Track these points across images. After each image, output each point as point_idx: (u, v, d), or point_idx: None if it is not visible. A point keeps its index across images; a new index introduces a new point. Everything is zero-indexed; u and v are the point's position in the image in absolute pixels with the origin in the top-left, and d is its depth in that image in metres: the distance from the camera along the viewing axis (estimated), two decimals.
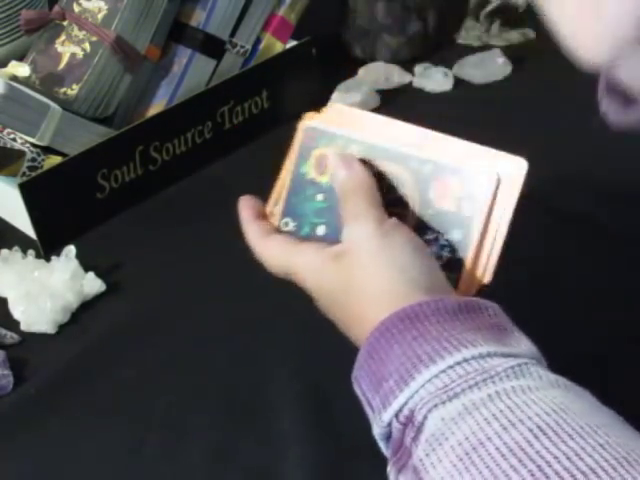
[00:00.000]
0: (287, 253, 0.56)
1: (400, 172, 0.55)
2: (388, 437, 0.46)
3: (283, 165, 0.60)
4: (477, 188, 0.53)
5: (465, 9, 1.05)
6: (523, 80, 0.98)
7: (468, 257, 0.53)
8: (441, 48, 1.04)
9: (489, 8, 1.04)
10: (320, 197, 0.57)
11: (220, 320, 0.71)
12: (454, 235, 0.53)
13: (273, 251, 0.57)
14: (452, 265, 0.53)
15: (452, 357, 0.45)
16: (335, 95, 0.93)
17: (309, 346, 0.68)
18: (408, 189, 0.55)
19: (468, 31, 1.05)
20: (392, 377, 0.46)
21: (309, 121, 0.59)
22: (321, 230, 0.57)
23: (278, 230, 0.59)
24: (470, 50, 1.02)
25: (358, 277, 0.51)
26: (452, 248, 0.54)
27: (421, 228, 0.54)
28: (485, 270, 0.53)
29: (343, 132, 0.57)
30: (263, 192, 0.87)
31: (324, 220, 0.57)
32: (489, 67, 0.99)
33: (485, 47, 1.02)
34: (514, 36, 1.04)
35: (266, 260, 0.57)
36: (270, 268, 0.57)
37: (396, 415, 0.45)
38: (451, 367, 0.44)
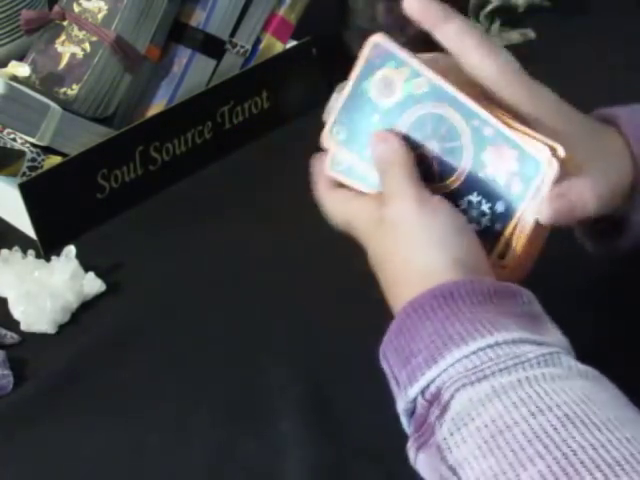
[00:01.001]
0: (346, 206, 0.57)
1: (460, 123, 0.54)
2: (412, 413, 0.46)
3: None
4: (535, 172, 0.52)
5: (465, 9, 1.05)
6: None
7: (506, 232, 0.52)
8: (441, 48, 1.04)
9: (489, 8, 1.04)
10: (376, 118, 0.57)
11: (220, 320, 0.71)
12: (498, 207, 0.53)
13: (337, 202, 0.58)
14: (487, 235, 0.53)
15: (484, 339, 0.45)
16: (335, 95, 0.93)
17: (309, 347, 0.68)
18: (465, 142, 0.54)
19: None
20: (421, 353, 0.46)
21: (381, 38, 0.57)
22: (369, 152, 0.56)
23: (330, 138, 0.58)
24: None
25: (400, 249, 0.51)
26: (493, 218, 0.53)
27: (468, 185, 0.54)
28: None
29: (413, 61, 0.56)
30: (262, 192, 0.87)
31: None
32: None
33: None
34: (514, 36, 1.04)
35: (330, 210, 0.58)
36: (333, 218, 0.58)
37: (422, 391, 0.45)
38: (482, 349, 0.44)
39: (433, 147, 0.55)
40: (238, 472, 0.59)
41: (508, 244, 0.53)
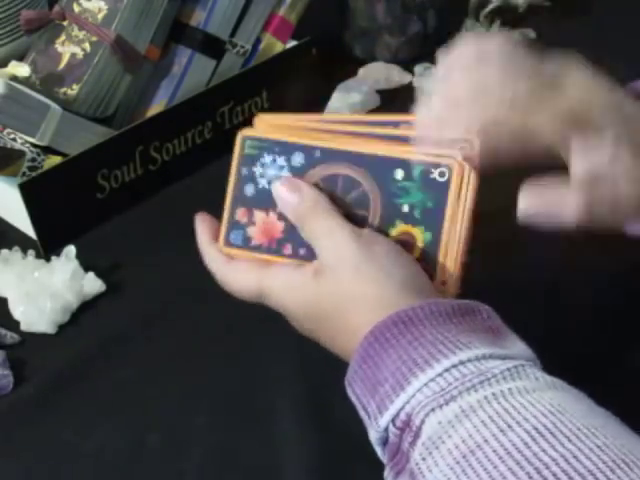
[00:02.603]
0: (258, 276, 0.55)
1: (353, 171, 0.55)
2: (385, 442, 0.46)
3: (228, 187, 0.59)
4: (439, 177, 0.52)
5: (465, 9, 1.05)
6: None
7: (439, 248, 0.53)
8: (441, 48, 1.04)
9: (489, 8, 1.04)
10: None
11: (220, 320, 0.71)
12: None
13: (241, 275, 0.56)
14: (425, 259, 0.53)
15: (448, 360, 0.44)
16: (335, 95, 0.93)
17: (310, 347, 0.68)
18: (366, 186, 0.54)
19: (468, 31, 1.05)
20: (388, 381, 0.45)
21: (247, 131, 0.58)
22: (288, 250, 0.56)
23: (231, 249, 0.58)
24: None
25: (345, 290, 0.51)
26: (425, 243, 0.53)
27: (387, 219, 0.54)
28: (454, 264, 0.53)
29: (286, 139, 0.56)
30: None
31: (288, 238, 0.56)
32: None
33: None
34: (514, 36, 1.04)
35: (233, 285, 0.56)
36: (239, 293, 0.56)
37: (393, 420, 0.45)
38: (447, 370, 0.44)
39: (340, 204, 0.55)
40: (238, 472, 0.59)
41: (444, 262, 0.53)
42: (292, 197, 0.54)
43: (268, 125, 0.59)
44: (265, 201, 0.57)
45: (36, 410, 0.65)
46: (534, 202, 0.52)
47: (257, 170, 0.57)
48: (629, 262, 0.72)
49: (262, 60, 0.91)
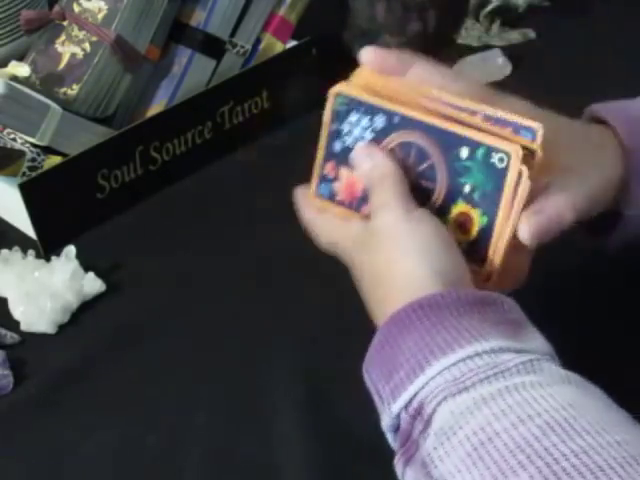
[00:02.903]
0: (331, 230, 0.58)
1: (428, 143, 0.55)
2: (396, 429, 0.46)
3: (319, 142, 0.60)
4: (498, 163, 0.52)
5: (465, 9, 1.05)
6: (523, 80, 0.98)
7: (492, 235, 0.53)
8: (441, 48, 1.04)
9: (489, 8, 1.04)
10: None
11: (220, 320, 0.71)
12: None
13: (320, 228, 0.58)
14: (478, 244, 0.53)
15: (464, 350, 0.44)
16: None
17: (309, 346, 0.68)
18: (435, 159, 0.55)
19: (468, 31, 1.05)
20: (403, 368, 0.45)
21: (339, 88, 0.59)
22: (365, 211, 0.57)
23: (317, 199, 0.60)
24: (470, 50, 1.02)
25: (384, 261, 0.52)
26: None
27: (450, 199, 0.54)
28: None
29: (370, 101, 0.57)
30: (263, 192, 0.87)
31: None
32: (489, 67, 0.99)
33: (485, 47, 1.02)
34: (514, 36, 1.04)
35: (318, 233, 0.59)
36: (320, 240, 0.59)
37: (405, 407, 0.45)
38: (462, 360, 0.44)
39: (410, 173, 0.56)
40: (238, 472, 0.59)
41: (490, 255, 0.53)
42: (366, 163, 0.56)
43: (364, 81, 0.59)
44: (350, 159, 0.58)
45: (36, 410, 0.65)
46: (537, 229, 0.52)
47: (344, 127, 0.59)
48: (629, 262, 0.72)
49: (262, 60, 0.91)
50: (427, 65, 0.59)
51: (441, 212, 0.54)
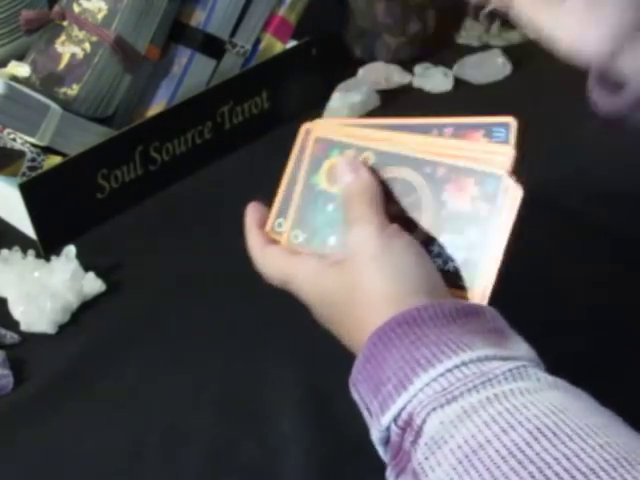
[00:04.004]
0: (287, 262, 0.56)
1: (413, 177, 0.55)
2: (386, 441, 0.46)
3: (284, 175, 0.60)
4: (495, 185, 0.52)
5: (465, 9, 1.05)
6: (523, 80, 0.98)
7: (483, 265, 0.52)
8: (441, 48, 1.04)
9: (489, 8, 1.03)
10: (331, 207, 0.57)
11: (220, 320, 0.71)
12: (469, 235, 0.53)
13: (273, 260, 0.57)
14: (468, 266, 0.53)
15: (450, 360, 0.45)
16: (335, 95, 0.93)
17: (309, 346, 0.68)
18: (420, 192, 0.55)
19: (468, 31, 1.05)
20: (390, 381, 0.46)
21: (319, 131, 0.59)
22: (332, 240, 0.57)
23: (288, 244, 0.58)
24: (470, 50, 1.02)
25: (359, 280, 0.51)
26: (469, 248, 0.53)
27: (436, 229, 0.54)
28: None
29: (354, 141, 0.57)
30: (263, 192, 0.87)
31: (335, 230, 0.57)
32: (489, 67, 0.99)
33: (485, 47, 1.02)
34: (514, 36, 1.04)
35: (265, 268, 0.57)
36: (268, 277, 0.57)
37: (395, 419, 0.45)
38: (449, 370, 0.44)
39: (394, 207, 0.55)
40: (238, 472, 0.59)
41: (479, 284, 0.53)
42: (348, 176, 0.56)
43: (324, 128, 0.59)
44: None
45: (36, 410, 0.65)
46: None
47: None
48: (629, 262, 0.72)
49: (262, 60, 0.91)
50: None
51: (427, 245, 0.54)
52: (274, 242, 0.58)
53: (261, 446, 0.60)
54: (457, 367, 0.44)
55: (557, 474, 0.37)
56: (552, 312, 0.67)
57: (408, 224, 0.55)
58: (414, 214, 0.55)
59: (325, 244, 0.57)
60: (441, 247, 0.54)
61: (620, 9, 0.53)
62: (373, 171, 0.56)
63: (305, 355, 0.67)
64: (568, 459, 0.38)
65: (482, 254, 0.52)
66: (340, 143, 0.58)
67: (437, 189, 0.54)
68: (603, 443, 0.38)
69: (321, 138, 0.59)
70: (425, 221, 0.54)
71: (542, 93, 0.95)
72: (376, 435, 0.47)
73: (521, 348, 0.47)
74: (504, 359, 0.45)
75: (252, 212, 0.61)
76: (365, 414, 0.48)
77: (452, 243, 0.53)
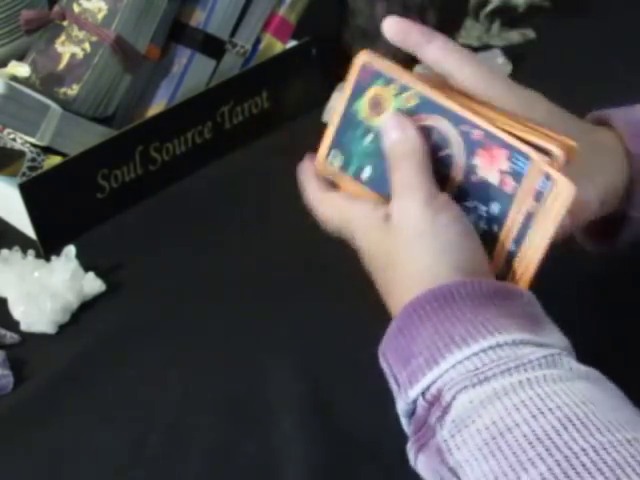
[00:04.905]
0: (343, 208, 0.55)
1: (449, 131, 0.53)
2: (411, 414, 0.46)
3: (336, 107, 0.59)
4: (525, 167, 0.51)
5: (465, 9, 1.05)
6: (523, 80, 0.98)
7: (501, 236, 0.52)
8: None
9: (489, 8, 1.04)
10: (369, 138, 0.56)
11: (220, 320, 0.71)
12: (492, 208, 0.52)
13: (331, 203, 0.56)
14: (486, 239, 0.52)
15: (486, 341, 0.45)
16: (335, 95, 0.93)
17: (309, 346, 0.68)
18: (455, 149, 0.53)
19: (468, 31, 1.05)
20: (422, 355, 0.46)
21: (367, 58, 0.57)
22: (367, 172, 0.56)
23: (326, 166, 0.58)
24: (470, 50, 1.02)
25: (402, 251, 0.51)
26: (489, 221, 0.53)
27: (462, 192, 0.53)
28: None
29: (401, 76, 0.56)
30: (263, 192, 0.87)
31: (371, 161, 0.56)
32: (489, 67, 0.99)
33: (485, 47, 1.02)
34: (514, 36, 1.04)
35: (322, 214, 0.57)
36: (326, 221, 0.57)
37: (423, 393, 0.45)
38: (484, 351, 0.44)
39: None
40: (238, 472, 0.59)
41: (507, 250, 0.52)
42: (395, 134, 0.53)
43: (376, 59, 0.58)
44: None
45: (36, 410, 0.65)
46: None
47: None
48: (629, 262, 0.72)
49: (262, 60, 0.91)
50: (445, 44, 0.56)
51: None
52: (331, 187, 0.57)
53: (261, 446, 0.60)
54: (492, 348, 0.44)
55: (584, 465, 0.37)
56: (548, 311, 0.67)
57: (436, 177, 0.53)
58: (444, 170, 0.53)
59: (360, 175, 0.56)
60: (466, 211, 0.53)
61: None
62: (420, 129, 0.53)
63: (305, 355, 0.67)
64: (596, 451, 0.38)
65: (499, 231, 0.52)
66: (386, 75, 0.56)
67: (470, 151, 0.53)
68: (631, 438, 0.39)
69: (368, 65, 0.57)
70: (453, 180, 0.53)
71: (542, 93, 0.95)
72: (402, 406, 0.47)
73: (555, 336, 0.47)
74: (539, 345, 0.45)
75: (307, 163, 0.59)
76: (392, 384, 0.48)
77: (475, 211, 0.53)
